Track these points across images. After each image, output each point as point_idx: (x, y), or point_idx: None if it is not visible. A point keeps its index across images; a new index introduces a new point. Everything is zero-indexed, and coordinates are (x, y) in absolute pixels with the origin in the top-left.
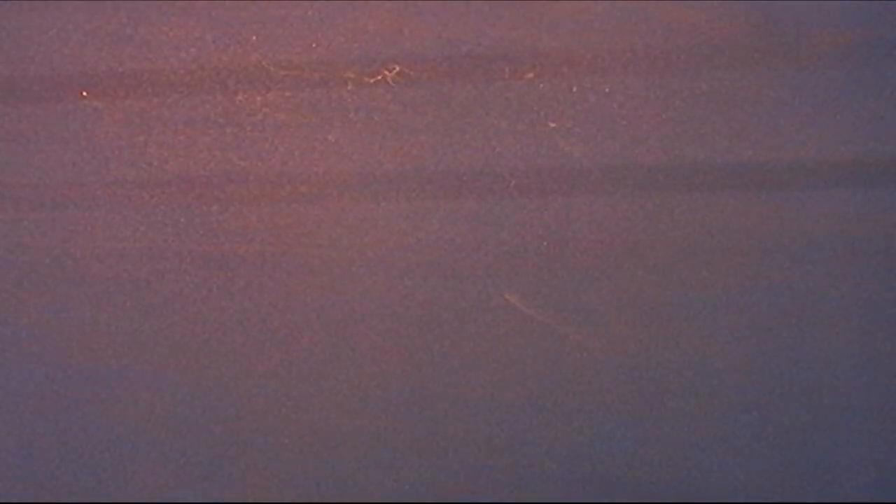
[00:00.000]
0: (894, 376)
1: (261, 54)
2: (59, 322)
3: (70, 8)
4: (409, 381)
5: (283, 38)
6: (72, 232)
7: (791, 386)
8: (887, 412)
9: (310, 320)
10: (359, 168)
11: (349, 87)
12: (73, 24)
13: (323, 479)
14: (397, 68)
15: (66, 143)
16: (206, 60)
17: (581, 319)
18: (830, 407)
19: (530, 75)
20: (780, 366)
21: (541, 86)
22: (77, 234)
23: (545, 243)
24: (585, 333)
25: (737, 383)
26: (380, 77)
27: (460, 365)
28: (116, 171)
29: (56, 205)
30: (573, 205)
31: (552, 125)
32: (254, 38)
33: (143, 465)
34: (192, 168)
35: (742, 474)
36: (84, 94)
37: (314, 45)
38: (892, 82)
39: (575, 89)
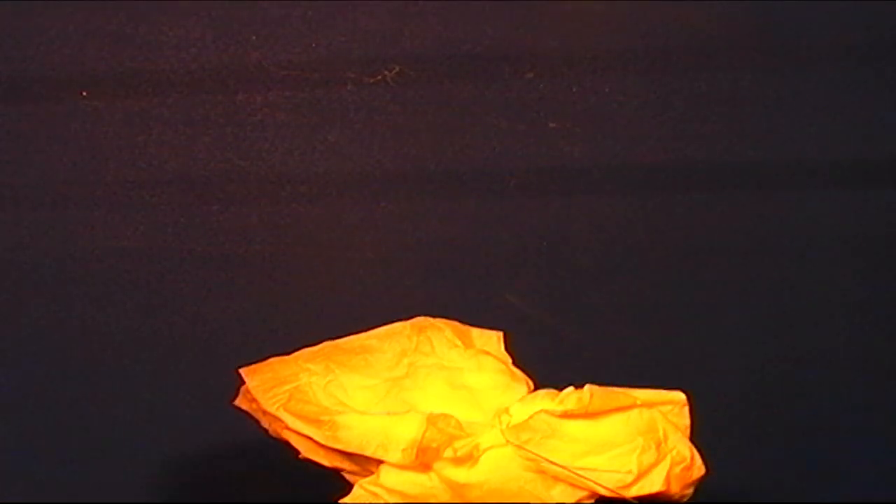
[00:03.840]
0: None
1: (261, 54)
2: (59, 322)
3: (70, 8)
4: None
5: (283, 38)
6: (72, 232)
7: (793, 385)
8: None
9: (310, 320)
10: (359, 168)
11: (349, 87)
12: (73, 24)
13: (323, 479)
14: (397, 68)
15: (66, 143)
16: (206, 60)
17: (581, 319)
18: (832, 407)
19: (530, 75)
20: (784, 365)
21: (541, 86)
22: (77, 234)
23: (545, 243)
24: (585, 333)
25: (737, 383)
26: (380, 77)
27: None
28: (116, 171)
29: (56, 205)
30: (573, 205)
31: (552, 125)
32: (254, 38)
33: (143, 465)
34: (192, 168)
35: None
36: (84, 94)
37: (314, 45)
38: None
39: (575, 89)
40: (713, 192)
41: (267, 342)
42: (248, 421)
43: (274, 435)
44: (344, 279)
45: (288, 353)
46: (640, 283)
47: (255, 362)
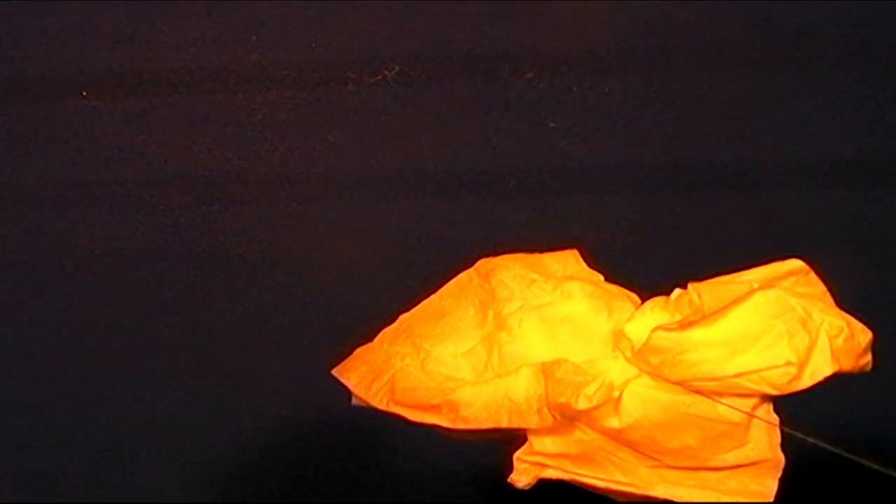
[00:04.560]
0: None
1: (261, 54)
2: (59, 322)
3: (70, 8)
4: None
5: (283, 38)
6: (72, 232)
7: None
8: None
9: (310, 321)
10: (359, 168)
11: (349, 87)
12: (73, 24)
13: (323, 479)
14: (397, 68)
15: (66, 143)
16: (206, 60)
17: None
18: (831, 407)
19: (530, 75)
20: None
21: (541, 86)
22: (77, 234)
23: (545, 243)
24: None
25: None
26: (380, 77)
27: None
28: (116, 171)
29: (56, 205)
30: (573, 205)
31: (552, 125)
32: (254, 38)
33: (144, 465)
34: (192, 168)
35: None
36: (84, 94)
37: (314, 45)
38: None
39: (575, 89)
40: (713, 192)
41: (266, 342)
42: (248, 420)
43: (417, 423)
44: (344, 279)
45: (287, 352)
46: (641, 283)
47: (254, 363)
